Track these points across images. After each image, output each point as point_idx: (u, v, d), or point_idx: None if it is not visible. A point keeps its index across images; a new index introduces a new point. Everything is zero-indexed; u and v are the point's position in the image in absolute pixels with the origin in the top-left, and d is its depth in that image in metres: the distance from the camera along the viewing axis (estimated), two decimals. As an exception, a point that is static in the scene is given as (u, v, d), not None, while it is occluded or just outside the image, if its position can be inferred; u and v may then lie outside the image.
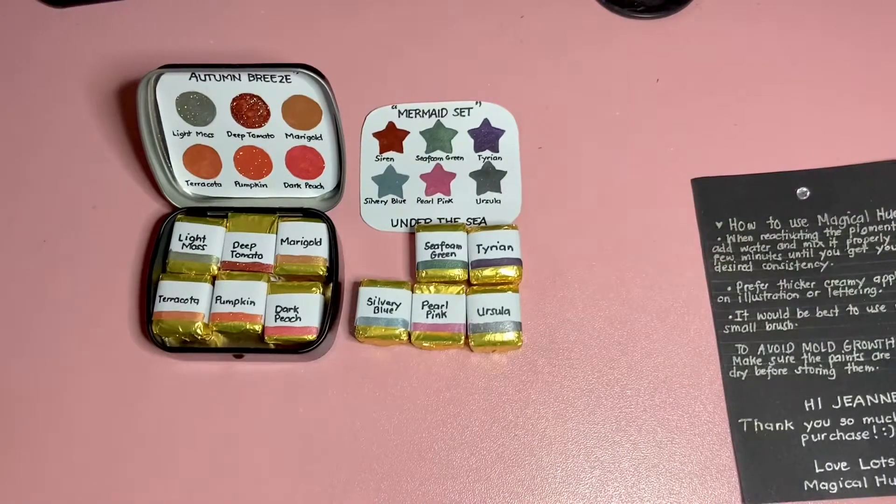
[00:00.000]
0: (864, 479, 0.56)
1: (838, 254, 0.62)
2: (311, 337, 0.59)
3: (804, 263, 0.62)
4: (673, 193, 0.65)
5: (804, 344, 0.60)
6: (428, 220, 0.65)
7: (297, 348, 0.59)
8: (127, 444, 0.59)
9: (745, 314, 0.61)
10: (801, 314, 0.61)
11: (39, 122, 0.69)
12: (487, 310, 0.59)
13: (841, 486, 0.56)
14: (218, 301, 0.60)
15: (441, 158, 0.67)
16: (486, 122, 0.68)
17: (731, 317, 0.62)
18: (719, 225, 0.64)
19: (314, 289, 0.60)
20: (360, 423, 0.60)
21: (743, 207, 0.64)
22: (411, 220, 0.65)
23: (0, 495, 0.58)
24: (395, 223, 0.65)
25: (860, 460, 0.57)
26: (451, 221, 0.65)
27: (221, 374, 0.61)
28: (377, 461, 0.59)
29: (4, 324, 0.63)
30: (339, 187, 0.64)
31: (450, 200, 0.66)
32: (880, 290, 0.61)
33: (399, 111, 0.68)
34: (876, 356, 0.59)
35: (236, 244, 0.62)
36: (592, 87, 0.69)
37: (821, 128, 0.67)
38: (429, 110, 0.68)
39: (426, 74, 0.70)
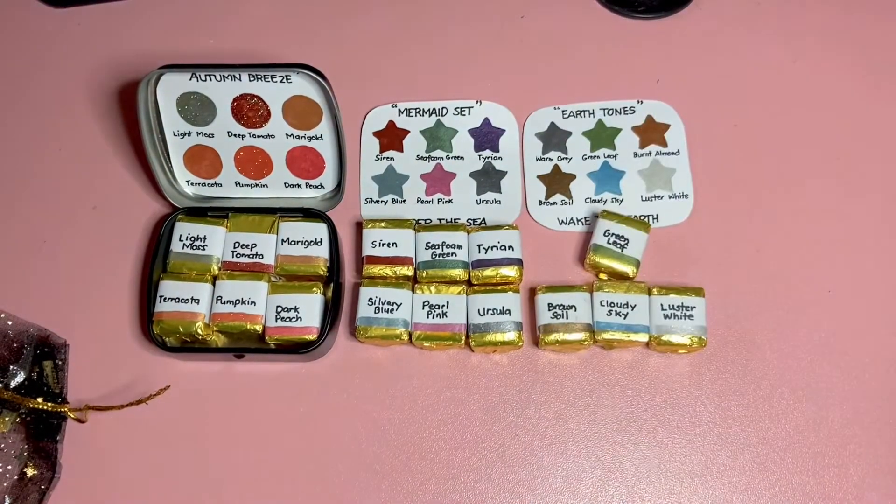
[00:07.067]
0: None
1: None
2: (312, 337, 0.59)
3: None
4: (673, 193, 0.65)
5: None
6: (428, 221, 0.65)
7: (297, 348, 0.59)
8: (127, 443, 0.59)
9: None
10: None
11: (40, 122, 0.69)
12: (488, 310, 0.59)
13: None
14: (218, 301, 0.60)
15: (441, 158, 0.67)
16: (486, 122, 0.68)
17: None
18: None
19: (315, 289, 0.60)
20: (361, 423, 0.60)
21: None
22: (412, 220, 0.64)
23: None
24: (395, 223, 0.65)
25: None
26: (451, 222, 0.65)
27: (222, 374, 0.61)
28: (377, 461, 0.59)
29: (5, 324, 0.63)
30: (339, 187, 0.64)
31: (450, 201, 0.66)
32: None
33: (399, 110, 0.68)
34: None
35: (237, 244, 0.62)
36: (593, 87, 0.69)
37: (821, 129, 0.67)
38: (429, 109, 0.68)
39: (426, 73, 0.70)
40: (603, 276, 0.62)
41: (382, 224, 0.62)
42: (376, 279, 0.61)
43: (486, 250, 0.61)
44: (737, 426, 0.59)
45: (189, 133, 0.63)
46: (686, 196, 0.65)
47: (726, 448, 0.58)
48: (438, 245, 0.62)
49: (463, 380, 0.61)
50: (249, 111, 0.61)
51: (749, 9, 0.71)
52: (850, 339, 0.61)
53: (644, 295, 0.60)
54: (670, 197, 0.65)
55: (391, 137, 0.68)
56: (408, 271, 0.61)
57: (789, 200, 0.65)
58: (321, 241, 0.62)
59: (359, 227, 0.65)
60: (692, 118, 0.67)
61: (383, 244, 0.62)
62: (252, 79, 0.59)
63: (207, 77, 0.60)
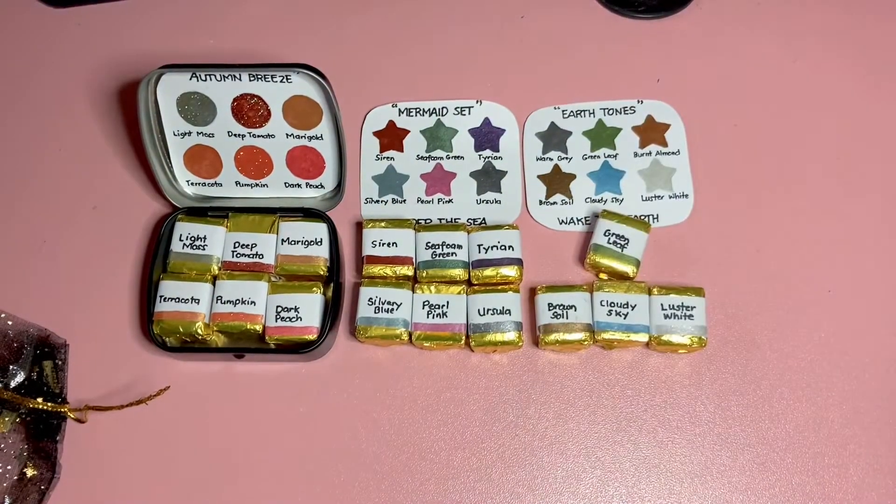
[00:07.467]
0: None
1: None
2: (312, 337, 0.59)
3: None
4: (673, 193, 0.66)
5: None
6: (428, 221, 0.65)
7: (297, 348, 0.59)
8: (127, 443, 0.59)
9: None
10: None
11: (40, 122, 0.69)
12: (488, 310, 0.59)
13: None
14: (218, 301, 0.60)
15: (441, 158, 0.67)
16: (486, 122, 0.68)
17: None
18: None
19: (315, 289, 0.60)
20: (361, 423, 0.60)
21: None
22: (412, 220, 0.64)
23: None
24: (395, 223, 0.65)
25: None
26: (451, 222, 0.65)
27: (222, 374, 0.61)
28: (377, 461, 0.59)
29: (5, 324, 0.63)
30: (339, 187, 0.64)
31: (450, 201, 0.66)
32: None
33: (399, 110, 0.68)
34: None
35: (237, 244, 0.62)
36: (592, 87, 0.69)
37: (821, 129, 0.67)
38: (429, 109, 0.68)
39: (426, 73, 0.70)
40: (603, 275, 0.62)
41: (382, 224, 0.62)
42: (376, 279, 0.61)
43: (486, 250, 0.61)
44: (737, 426, 0.59)
45: (189, 133, 0.63)
46: (686, 196, 0.65)
47: (726, 448, 0.58)
48: (438, 245, 0.62)
49: (463, 380, 0.61)
50: (249, 111, 0.61)
51: (749, 9, 0.71)
52: (850, 339, 0.61)
53: (644, 295, 0.60)
54: (670, 197, 0.65)
55: (391, 137, 0.68)
56: (408, 271, 0.61)
57: (789, 200, 0.65)
58: (321, 241, 0.62)
59: (359, 227, 0.65)
60: (692, 118, 0.67)
61: (383, 244, 0.62)
62: (252, 79, 0.59)
63: (207, 77, 0.60)
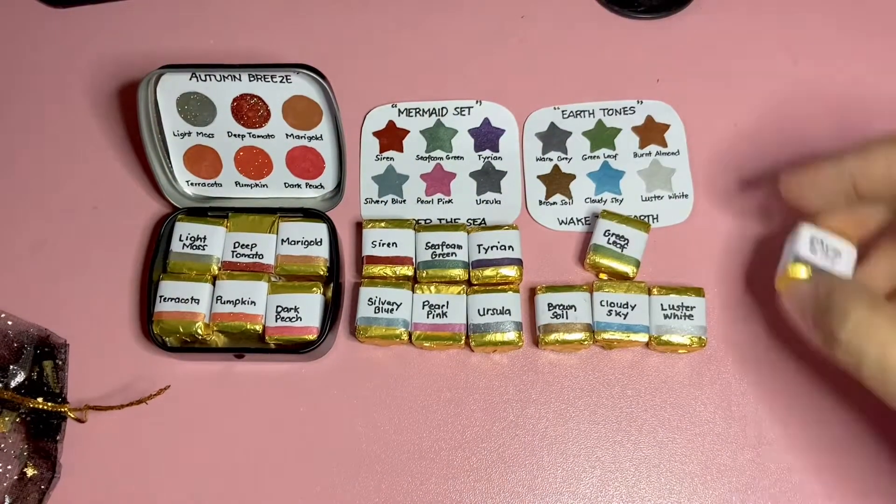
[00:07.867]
0: None
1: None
2: (312, 337, 0.59)
3: None
4: (673, 193, 0.65)
5: None
6: (428, 221, 0.65)
7: (297, 348, 0.59)
8: (127, 443, 0.59)
9: (746, 314, 0.62)
10: None
11: (39, 122, 0.69)
12: (488, 310, 0.59)
13: None
14: (218, 301, 0.60)
15: (441, 158, 0.67)
16: (486, 122, 0.68)
17: (731, 317, 0.62)
18: None
19: (315, 289, 0.60)
20: (361, 423, 0.60)
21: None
22: (412, 220, 0.64)
23: None
24: (395, 223, 0.65)
25: None
26: (451, 222, 0.65)
27: (222, 374, 0.61)
28: (377, 461, 0.59)
29: (5, 324, 0.63)
30: (339, 187, 0.64)
31: (450, 201, 0.66)
32: None
33: (399, 110, 0.68)
34: None
35: (237, 244, 0.62)
36: (592, 87, 0.69)
37: (821, 129, 0.67)
38: (429, 109, 0.68)
39: (426, 73, 0.70)
40: (603, 275, 0.62)
41: (382, 224, 0.62)
42: (376, 279, 0.61)
43: (486, 250, 0.61)
44: (737, 426, 0.59)
45: (189, 133, 0.63)
46: (686, 196, 0.65)
47: (726, 448, 0.58)
48: (438, 245, 0.62)
49: (463, 380, 0.61)
50: (249, 111, 0.61)
51: (749, 9, 0.71)
52: (850, 339, 0.61)
53: (644, 295, 0.60)
54: (670, 197, 0.65)
55: (391, 137, 0.68)
56: (408, 271, 0.61)
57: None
58: (321, 241, 0.62)
59: (359, 227, 0.65)
60: (692, 118, 0.67)
61: (383, 244, 0.62)
62: (252, 79, 0.59)
63: (207, 77, 0.60)
